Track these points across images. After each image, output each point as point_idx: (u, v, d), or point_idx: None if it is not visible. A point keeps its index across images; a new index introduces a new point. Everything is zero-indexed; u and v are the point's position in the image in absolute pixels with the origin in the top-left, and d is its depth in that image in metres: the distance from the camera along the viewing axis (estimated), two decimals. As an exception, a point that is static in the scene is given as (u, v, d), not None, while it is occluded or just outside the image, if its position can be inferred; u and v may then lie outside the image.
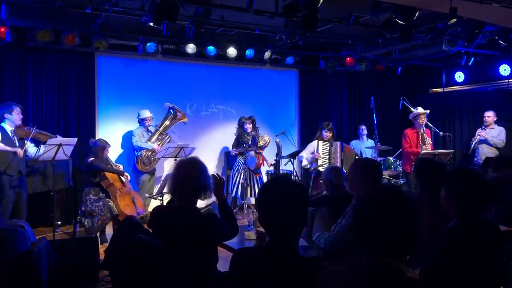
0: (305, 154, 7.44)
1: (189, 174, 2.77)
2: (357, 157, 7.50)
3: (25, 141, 5.72)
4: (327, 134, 7.48)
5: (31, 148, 5.86)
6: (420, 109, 7.36)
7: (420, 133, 7.27)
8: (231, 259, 2.12)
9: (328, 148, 7.38)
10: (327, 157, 7.35)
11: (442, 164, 3.54)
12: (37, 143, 5.97)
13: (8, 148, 5.50)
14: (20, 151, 5.53)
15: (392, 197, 1.63)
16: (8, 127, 5.64)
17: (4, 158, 5.53)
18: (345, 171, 6.95)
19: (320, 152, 7.36)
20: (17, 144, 5.64)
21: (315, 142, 7.49)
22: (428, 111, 7.39)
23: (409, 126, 7.58)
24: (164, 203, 6.29)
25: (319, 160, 7.33)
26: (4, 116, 5.63)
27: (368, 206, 1.65)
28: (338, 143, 7.38)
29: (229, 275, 2.13)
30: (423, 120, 7.28)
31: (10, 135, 5.64)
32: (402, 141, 7.45)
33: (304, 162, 7.44)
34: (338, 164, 7.17)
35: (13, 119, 5.65)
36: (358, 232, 1.63)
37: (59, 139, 5.67)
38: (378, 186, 3.26)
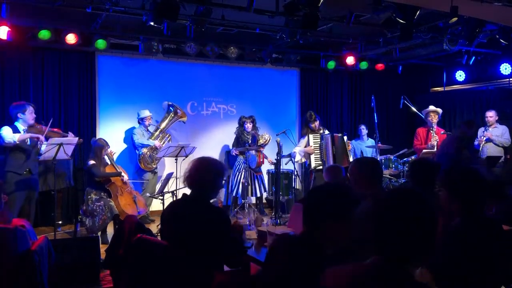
0: (298, 149, 7.36)
1: (206, 168, 2.95)
2: (348, 144, 7.40)
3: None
4: (314, 124, 7.35)
5: (43, 146, 5.85)
6: (430, 107, 7.39)
7: (430, 131, 7.30)
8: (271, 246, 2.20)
9: (319, 142, 7.30)
10: (319, 152, 7.27)
11: (435, 164, 3.57)
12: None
13: (30, 135, 5.52)
14: (42, 138, 5.52)
15: (411, 200, 1.60)
16: (21, 126, 5.65)
17: (19, 158, 5.57)
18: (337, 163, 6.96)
19: (311, 144, 7.29)
20: (28, 143, 5.65)
21: (305, 137, 7.38)
22: (439, 110, 7.41)
23: (410, 125, 7.60)
24: (165, 203, 6.31)
25: (311, 156, 7.25)
26: (17, 115, 5.65)
27: (384, 208, 1.63)
28: (328, 136, 7.21)
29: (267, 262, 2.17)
30: (433, 118, 7.29)
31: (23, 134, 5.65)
32: (414, 138, 7.51)
33: (297, 157, 7.34)
34: (331, 160, 7.12)
35: (26, 118, 5.66)
36: (375, 232, 1.61)
37: (61, 138, 5.66)
38: (379, 184, 3.30)
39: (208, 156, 3.13)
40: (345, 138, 7.36)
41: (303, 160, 7.42)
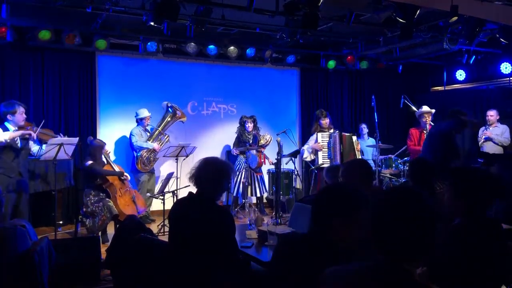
0: (306, 147, 7.34)
1: (212, 168, 2.95)
2: (357, 143, 7.38)
3: (29, 141, 5.64)
4: (325, 121, 7.31)
5: (34, 147, 5.80)
6: (425, 108, 7.32)
7: (423, 132, 7.25)
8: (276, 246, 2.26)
9: (327, 140, 7.29)
10: (327, 150, 7.25)
11: (434, 164, 3.59)
12: (41, 142, 5.90)
13: (22, 132, 5.39)
14: (33, 134, 5.41)
15: (411, 200, 1.60)
16: (11, 127, 5.49)
17: (9, 161, 5.48)
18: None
19: (319, 142, 7.27)
20: (19, 144, 5.54)
21: (314, 135, 7.36)
22: (433, 110, 7.35)
23: (410, 125, 7.56)
24: (166, 202, 6.31)
25: (319, 153, 7.24)
26: (7, 117, 5.49)
27: (384, 208, 1.63)
28: (337, 134, 7.19)
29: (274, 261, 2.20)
30: (427, 119, 7.24)
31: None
32: (407, 139, 7.45)
33: (306, 154, 7.30)
34: (338, 158, 7.11)
35: (16, 119, 5.49)
36: (375, 231, 1.61)
37: (61, 138, 5.65)
38: (372, 183, 3.33)
39: (215, 157, 3.14)
40: (355, 138, 7.34)
41: (312, 157, 7.39)
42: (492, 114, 7.64)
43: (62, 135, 5.94)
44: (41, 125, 5.64)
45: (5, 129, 5.45)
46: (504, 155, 6.63)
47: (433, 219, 1.57)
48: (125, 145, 7.70)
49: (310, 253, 1.99)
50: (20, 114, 5.54)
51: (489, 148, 7.47)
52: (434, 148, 5.42)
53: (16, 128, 5.56)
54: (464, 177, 2.44)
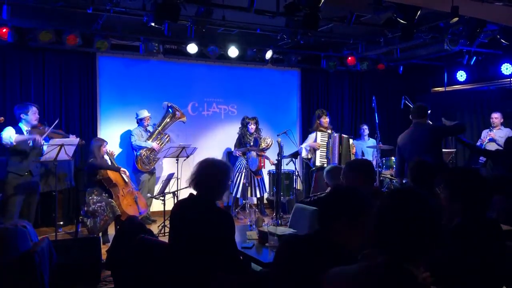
0: (304, 145, 7.39)
1: (213, 170, 2.95)
2: (353, 146, 7.42)
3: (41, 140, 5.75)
4: (326, 120, 7.38)
5: (45, 147, 5.88)
6: None
7: None
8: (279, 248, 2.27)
9: (327, 140, 7.31)
10: (325, 149, 7.28)
11: (434, 166, 3.60)
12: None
13: (26, 137, 5.55)
14: (38, 137, 5.54)
15: (411, 200, 1.61)
16: (25, 127, 5.71)
17: (20, 160, 5.61)
18: (342, 165, 6.94)
19: (318, 141, 7.29)
20: (31, 144, 5.65)
21: (313, 134, 7.40)
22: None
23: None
24: (166, 203, 6.32)
25: (317, 152, 7.25)
26: (20, 116, 5.71)
27: (385, 208, 1.63)
28: (337, 135, 7.27)
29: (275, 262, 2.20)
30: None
31: (26, 135, 5.69)
32: None
33: (304, 153, 7.34)
34: (336, 158, 7.15)
35: (29, 119, 5.72)
36: (376, 232, 1.62)
37: (62, 139, 5.66)
38: (373, 182, 3.35)
39: (213, 158, 3.13)
40: (351, 141, 7.38)
41: (310, 156, 7.41)
42: (496, 117, 7.66)
43: (74, 137, 6.00)
44: (53, 125, 5.77)
45: (19, 130, 5.64)
46: (498, 152, 6.63)
47: (433, 219, 1.57)
48: (126, 145, 7.71)
49: (312, 253, 1.99)
50: (33, 113, 5.78)
51: (492, 149, 7.47)
52: (435, 148, 5.42)
53: (29, 128, 5.74)
54: (459, 178, 2.45)
